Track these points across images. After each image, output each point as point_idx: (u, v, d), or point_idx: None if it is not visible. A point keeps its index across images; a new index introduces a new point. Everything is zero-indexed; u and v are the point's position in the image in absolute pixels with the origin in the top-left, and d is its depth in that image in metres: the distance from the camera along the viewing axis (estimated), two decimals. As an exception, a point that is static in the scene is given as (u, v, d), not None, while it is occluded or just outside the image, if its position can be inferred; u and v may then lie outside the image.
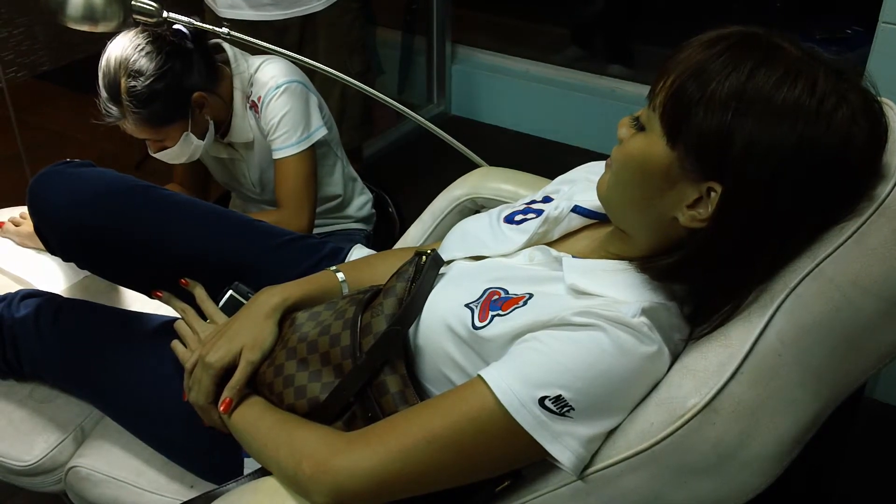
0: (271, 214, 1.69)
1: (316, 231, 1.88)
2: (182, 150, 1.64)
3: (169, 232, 1.24)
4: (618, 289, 0.90)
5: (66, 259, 1.30)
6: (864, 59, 1.68)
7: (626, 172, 0.90)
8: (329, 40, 2.18)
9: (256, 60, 1.72)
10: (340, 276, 1.17)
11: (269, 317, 1.08)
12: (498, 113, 3.30)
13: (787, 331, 0.82)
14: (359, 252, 1.39)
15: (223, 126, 1.73)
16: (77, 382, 1.31)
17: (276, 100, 1.67)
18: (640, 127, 0.89)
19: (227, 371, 1.05)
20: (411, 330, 0.99)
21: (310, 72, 1.76)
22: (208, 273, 1.22)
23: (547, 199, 1.12)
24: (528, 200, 1.15)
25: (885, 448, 1.85)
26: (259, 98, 1.68)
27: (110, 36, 1.55)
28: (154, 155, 1.66)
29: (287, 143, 1.68)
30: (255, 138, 1.74)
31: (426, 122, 1.72)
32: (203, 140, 1.65)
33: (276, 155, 1.70)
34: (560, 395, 0.83)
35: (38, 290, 1.41)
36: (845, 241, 0.82)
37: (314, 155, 1.74)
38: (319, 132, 1.73)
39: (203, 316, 1.16)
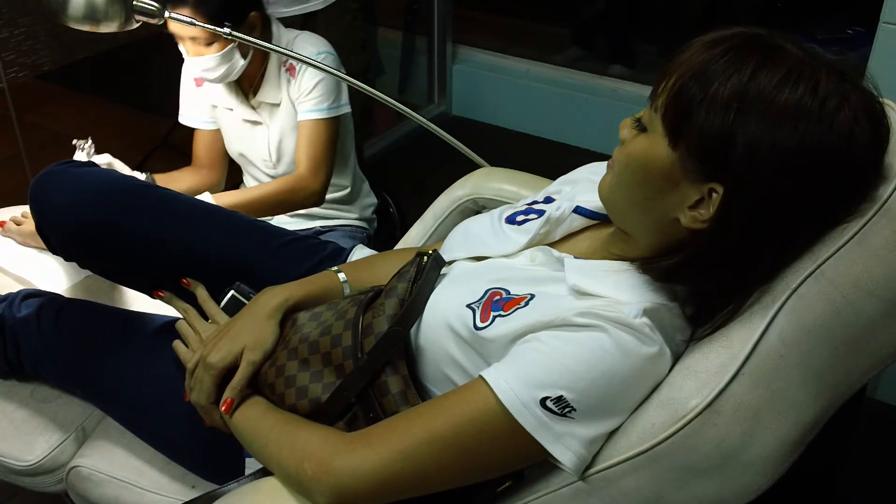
0: (288, 179, 1.75)
1: (319, 224, 1.89)
2: (221, 61, 1.65)
3: (170, 232, 1.24)
4: (619, 289, 0.90)
5: (67, 258, 1.30)
6: (864, 60, 1.68)
7: (628, 173, 0.90)
8: (329, 39, 2.18)
9: (293, 32, 1.79)
10: (342, 276, 1.17)
11: (271, 317, 1.08)
12: (499, 113, 3.29)
13: (788, 332, 0.82)
14: (360, 252, 1.39)
15: (255, 83, 1.77)
16: (78, 382, 1.31)
17: None
18: (641, 128, 0.89)
19: (229, 371, 1.05)
20: (413, 330, 0.99)
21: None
22: (210, 273, 1.22)
23: (548, 200, 1.12)
24: (529, 201, 1.15)
25: (886, 448, 1.85)
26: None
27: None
28: (190, 59, 1.67)
29: (318, 107, 1.74)
30: (283, 102, 1.78)
31: (427, 123, 1.72)
32: (242, 61, 1.67)
33: (305, 116, 1.74)
34: (561, 396, 0.83)
35: (40, 290, 1.41)
36: (847, 242, 0.82)
37: (339, 127, 1.80)
38: (346, 108, 1.79)
39: (204, 316, 1.16)
